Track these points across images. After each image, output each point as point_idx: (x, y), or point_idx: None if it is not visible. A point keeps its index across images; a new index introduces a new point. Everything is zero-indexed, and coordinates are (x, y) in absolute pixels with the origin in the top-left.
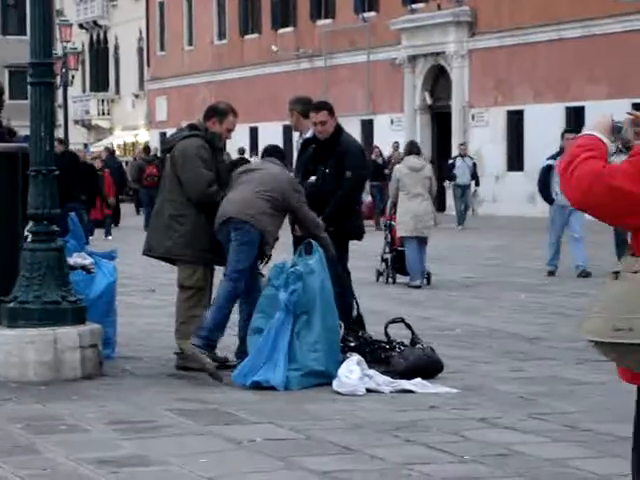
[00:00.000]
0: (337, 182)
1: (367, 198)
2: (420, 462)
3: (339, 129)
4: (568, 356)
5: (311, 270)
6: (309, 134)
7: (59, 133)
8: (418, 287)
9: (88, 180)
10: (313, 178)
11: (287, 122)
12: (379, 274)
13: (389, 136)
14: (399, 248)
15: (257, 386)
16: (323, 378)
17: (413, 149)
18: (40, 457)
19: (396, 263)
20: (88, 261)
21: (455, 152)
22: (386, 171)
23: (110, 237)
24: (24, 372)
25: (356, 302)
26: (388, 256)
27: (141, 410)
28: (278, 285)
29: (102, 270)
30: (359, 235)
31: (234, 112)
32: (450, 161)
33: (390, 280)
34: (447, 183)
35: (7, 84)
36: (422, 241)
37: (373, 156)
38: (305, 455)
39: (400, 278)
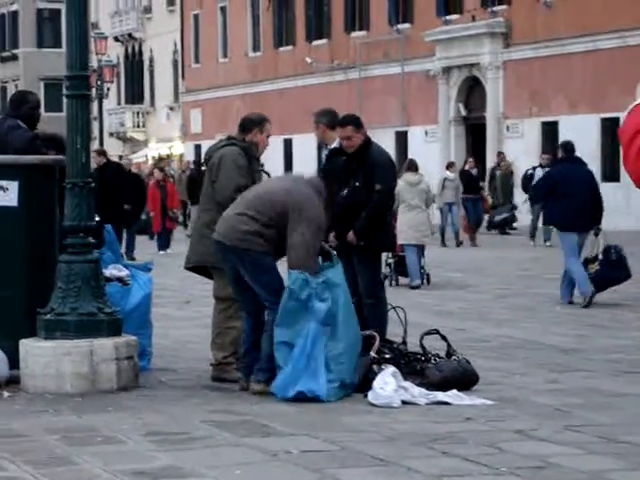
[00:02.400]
0: (367, 195)
1: (460, 212)
2: (456, 474)
3: (368, 141)
4: (604, 368)
5: (335, 282)
6: (335, 144)
7: (94, 145)
8: (417, 287)
9: (135, 191)
10: (345, 191)
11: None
12: (385, 277)
13: (423, 148)
14: (400, 254)
15: (299, 397)
16: (351, 390)
17: (411, 166)
18: (76, 468)
19: (398, 267)
20: (124, 273)
21: (491, 163)
22: (481, 183)
23: (165, 251)
24: (60, 384)
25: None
26: (391, 261)
27: (177, 422)
28: (305, 297)
29: (138, 282)
30: (390, 247)
31: (268, 119)
32: (529, 171)
33: (393, 282)
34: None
35: (42, 97)
36: (420, 248)
37: (467, 167)
38: (340, 467)
39: (401, 280)
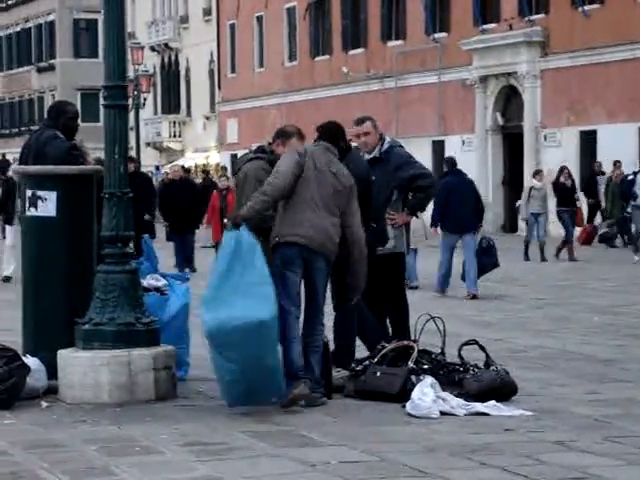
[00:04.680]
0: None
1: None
2: None
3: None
4: None
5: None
6: (375, 153)
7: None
8: (416, 287)
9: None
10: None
11: (355, 144)
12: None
13: (460, 157)
14: None
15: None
16: None
17: None
18: (115, 479)
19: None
20: (161, 283)
21: (528, 175)
22: (576, 195)
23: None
24: (98, 394)
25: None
26: None
27: (215, 432)
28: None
29: (175, 292)
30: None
31: (300, 135)
32: (629, 176)
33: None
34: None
35: (79, 106)
36: (414, 251)
37: (562, 179)
38: (379, 477)
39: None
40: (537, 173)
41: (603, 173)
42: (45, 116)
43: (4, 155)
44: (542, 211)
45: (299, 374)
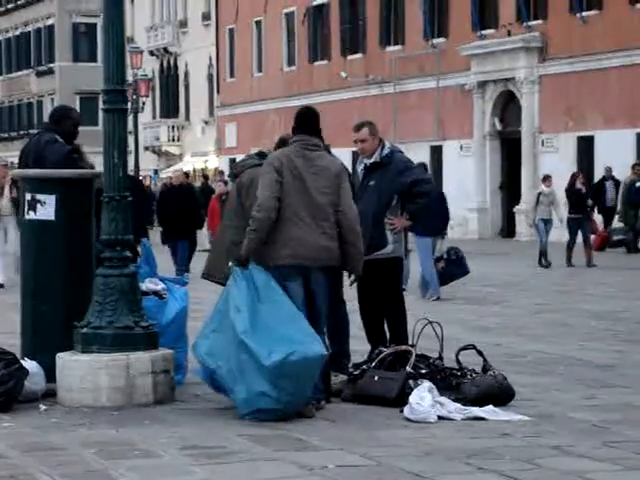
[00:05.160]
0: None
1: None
2: None
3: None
4: None
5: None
6: (374, 158)
7: (130, 159)
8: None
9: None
10: None
11: (355, 148)
12: None
13: (458, 162)
14: None
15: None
16: None
17: None
18: None
19: None
20: (160, 287)
21: (526, 180)
22: (589, 201)
23: None
24: (97, 397)
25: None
26: None
27: (213, 435)
28: None
29: (174, 296)
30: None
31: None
32: (638, 183)
33: None
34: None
35: (78, 110)
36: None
37: (578, 185)
38: None
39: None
40: (546, 179)
41: (613, 178)
42: (46, 119)
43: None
44: (551, 217)
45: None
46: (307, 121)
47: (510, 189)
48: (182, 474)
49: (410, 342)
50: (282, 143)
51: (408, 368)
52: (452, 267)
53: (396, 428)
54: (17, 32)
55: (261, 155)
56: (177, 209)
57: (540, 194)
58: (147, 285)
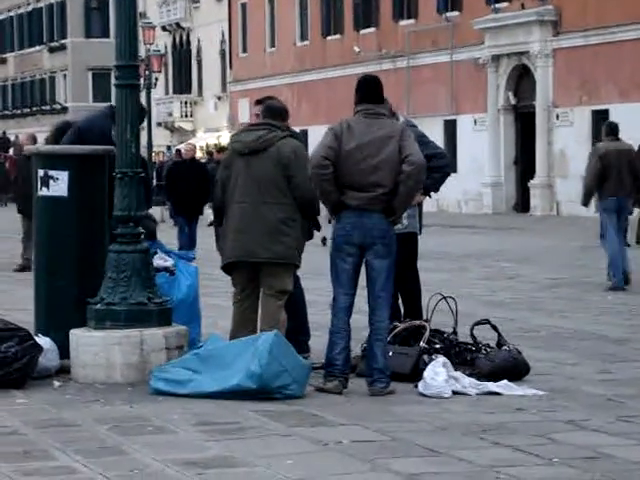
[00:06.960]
0: None
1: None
2: (507, 465)
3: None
4: None
5: None
6: None
7: (143, 135)
8: None
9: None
10: None
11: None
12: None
13: (472, 137)
14: None
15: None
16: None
17: None
18: (127, 458)
19: None
20: (169, 263)
21: (540, 154)
22: None
23: None
24: (111, 373)
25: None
26: None
27: (226, 411)
28: None
29: (183, 272)
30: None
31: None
32: None
33: None
34: None
35: (90, 87)
36: None
37: None
38: (391, 457)
39: None
40: None
41: None
42: (62, 97)
43: (4, 132)
44: None
45: (335, 371)
46: (368, 89)
47: (524, 163)
48: (196, 450)
49: (424, 317)
50: (286, 113)
51: (422, 343)
52: None
53: (411, 403)
54: (29, 8)
55: (271, 125)
56: (186, 184)
57: None
58: (157, 262)
